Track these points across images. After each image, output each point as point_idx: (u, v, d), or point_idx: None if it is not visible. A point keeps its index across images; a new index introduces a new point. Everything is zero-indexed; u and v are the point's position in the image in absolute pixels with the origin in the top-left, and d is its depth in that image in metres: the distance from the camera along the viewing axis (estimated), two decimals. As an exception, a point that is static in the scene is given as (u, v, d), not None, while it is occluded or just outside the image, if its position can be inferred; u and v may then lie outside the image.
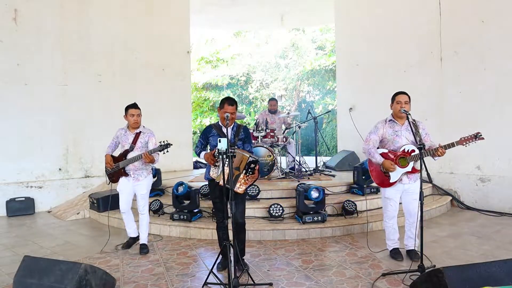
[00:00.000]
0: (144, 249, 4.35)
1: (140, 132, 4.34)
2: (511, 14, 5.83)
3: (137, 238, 4.53)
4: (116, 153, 4.41)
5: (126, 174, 4.30)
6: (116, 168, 4.29)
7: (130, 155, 4.25)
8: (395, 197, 3.93)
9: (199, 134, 4.04)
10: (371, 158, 3.94)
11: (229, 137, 3.71)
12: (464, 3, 6.32)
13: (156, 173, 6.09)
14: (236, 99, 4.07)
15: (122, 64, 7.55)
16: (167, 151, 4.08)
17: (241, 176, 3.44)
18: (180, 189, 5.15)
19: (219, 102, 3.72)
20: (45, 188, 6.85)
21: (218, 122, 3.81)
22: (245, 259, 3.82)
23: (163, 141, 4.08)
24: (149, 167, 4.41)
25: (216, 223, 3.78)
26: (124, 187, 4.34)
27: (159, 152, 4.13)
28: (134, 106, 4.31)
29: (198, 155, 3.79)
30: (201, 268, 3.89)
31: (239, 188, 3.47)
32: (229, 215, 3.24)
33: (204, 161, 3.78)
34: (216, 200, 3.70)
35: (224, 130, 3.69)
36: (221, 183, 3.37)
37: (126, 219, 4.47)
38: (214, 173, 3.59)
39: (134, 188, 4.34)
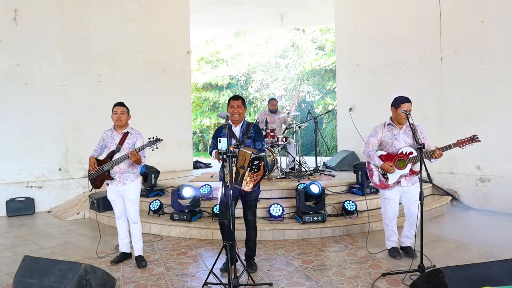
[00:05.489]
0: (142, 261, 4.02)
1: (128, 132, 4.01)
2: (511, 14, 5.84)
3: (129, 255, 4.20)
4: (103, 156, 4.06)
5: (111, 178, 3.93)
6: (100, 171, 3.90)
7: (116, 157, 3.90)
8: (395, 197, 3.95)
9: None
10: (370, 161, 3.98)
11: (238, 136, 3.72)
12: (464, 3, 6.32)
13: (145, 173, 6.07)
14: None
15: (122, 64, 7.55)
16: (157, 148, 3.74)
17: (246, 174, 3.41)
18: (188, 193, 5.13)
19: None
20: (45, 188, 6.84)
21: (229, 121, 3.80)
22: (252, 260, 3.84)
23: (153, 137, 3.76)
24: (136, 170, 4.04)
25: (219, 224, 3.73)
26: (114, 195, 4.03)
27: (147, 148, 3.79)
28: (120, 104, 3.99)
29: (210, 154, 3.78)
30: (201, 268, 3.89)
31: (246, 186, 3.45)
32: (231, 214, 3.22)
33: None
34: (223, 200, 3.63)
35: (234, 129, 3.74)
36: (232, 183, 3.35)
37: (120, 227, 4.13)
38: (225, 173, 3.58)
39: (122, 193, 3.99)
